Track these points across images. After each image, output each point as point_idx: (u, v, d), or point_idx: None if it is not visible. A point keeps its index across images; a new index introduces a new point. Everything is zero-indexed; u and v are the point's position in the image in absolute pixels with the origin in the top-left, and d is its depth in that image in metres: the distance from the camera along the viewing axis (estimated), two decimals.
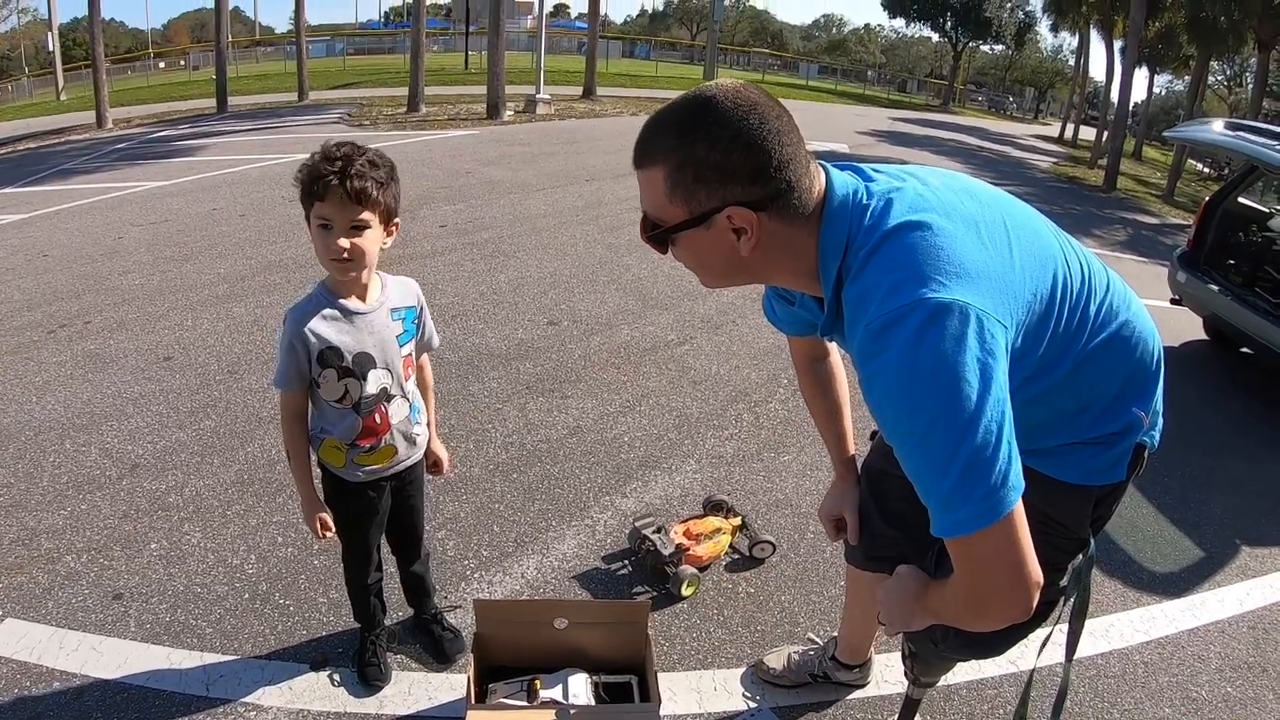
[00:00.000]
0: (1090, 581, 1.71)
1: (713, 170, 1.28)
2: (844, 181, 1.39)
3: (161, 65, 43.15)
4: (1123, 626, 3.06)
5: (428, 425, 2.44)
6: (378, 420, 2.21)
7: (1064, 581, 1.70)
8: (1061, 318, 1.41)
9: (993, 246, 1.33)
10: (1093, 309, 1.48)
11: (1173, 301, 6.30)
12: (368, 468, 2.26)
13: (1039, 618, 1.74)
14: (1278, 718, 2.69)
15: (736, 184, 1.29)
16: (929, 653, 1.95)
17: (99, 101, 19.21)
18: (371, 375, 2.14)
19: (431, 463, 2.51)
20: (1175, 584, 3.39)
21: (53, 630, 2.68)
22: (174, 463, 3.71)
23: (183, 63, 42.92)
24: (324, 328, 2.08)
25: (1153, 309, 5.72)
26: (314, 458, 2.27)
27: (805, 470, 3.84)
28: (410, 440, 2.31)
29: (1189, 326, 6.54)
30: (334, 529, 2.28)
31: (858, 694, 2.59)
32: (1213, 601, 3.28)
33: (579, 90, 25.40)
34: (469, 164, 12.04)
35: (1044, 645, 1.79)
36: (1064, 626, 1.75)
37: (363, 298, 2.15)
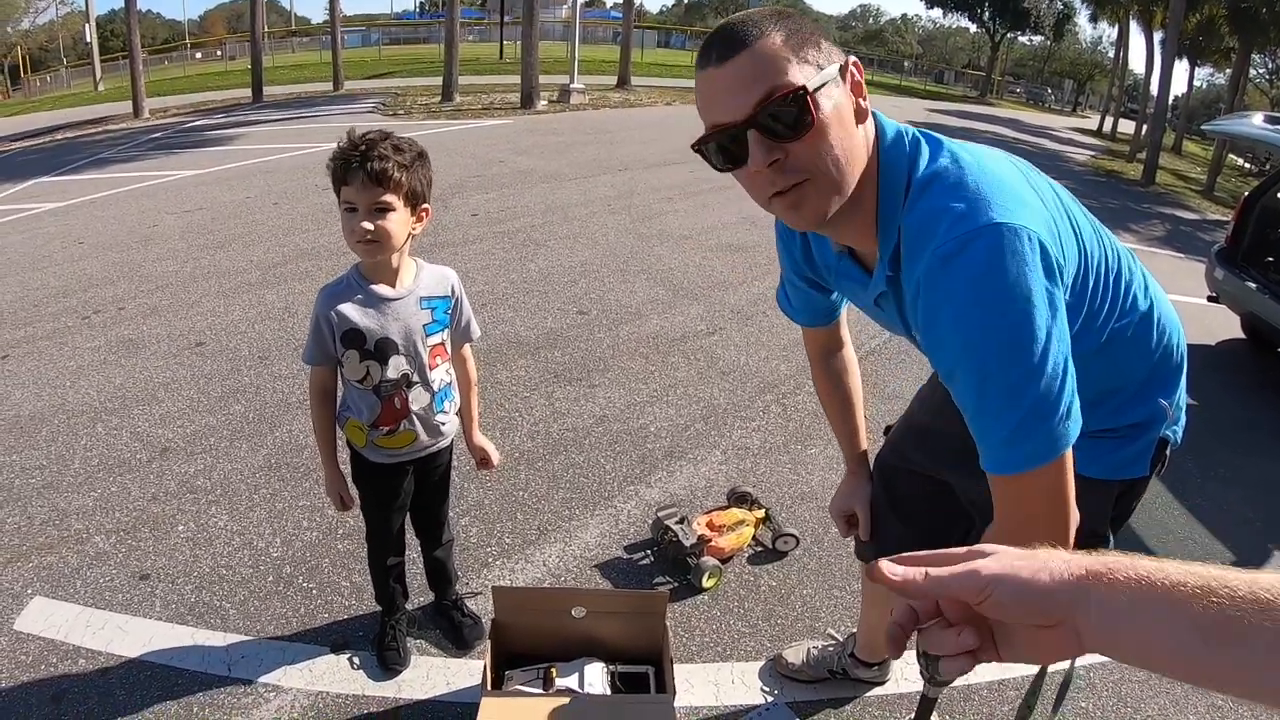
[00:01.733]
0: None
1: (816, 32, 1.23)
2: (887, 119, 1.34)
3: (198, 56, 43.60)
4: None
5: (467, 419, 2.46)
6: (397, 405, 2.20)
7: None
8: (1096, 288, 1.37)
9: (1041, 194, 1.29)
10: (1123, 287, 1.44)
11: (1209, 299, 6.14)
12: (388, 450, 2.27)
13: None
14: None
15: (834, 45, 1.24)
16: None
17: (135, 92, 19.48)
18: (393, 360, 2.14)
19: (479, 459, 2.50)
20: None
21: (80, 609, 2.71)
22: (203, 446, 3.74)
23: (219, 53, 43.38)
24: (350, 309, 2.11)
25: (1189, 306, 5.62)
26: (342, 436, 2.29)
27: (831, 464, 3.79)
28: (433, 429, 2.29)
29: (1226, 325, 6.39)
30: (354, 503, 2.33)
31: (876, 691, 2.55)
32: None
33: (613, 80, 25.39)
34: (502, 153, 12.06)
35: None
36: None
37: (392, 284, 2.15)
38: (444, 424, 2.33)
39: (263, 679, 2.45)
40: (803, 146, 1.19)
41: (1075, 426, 1.20)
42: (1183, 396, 1.61)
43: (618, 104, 20.71)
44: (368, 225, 1.98)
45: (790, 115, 1.18)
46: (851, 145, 1.24)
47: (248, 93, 22.50)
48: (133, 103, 19.56)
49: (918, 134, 1.33)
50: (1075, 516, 1.26)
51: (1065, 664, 1.79)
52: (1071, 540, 1.27)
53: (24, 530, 3.12)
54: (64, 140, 15.76)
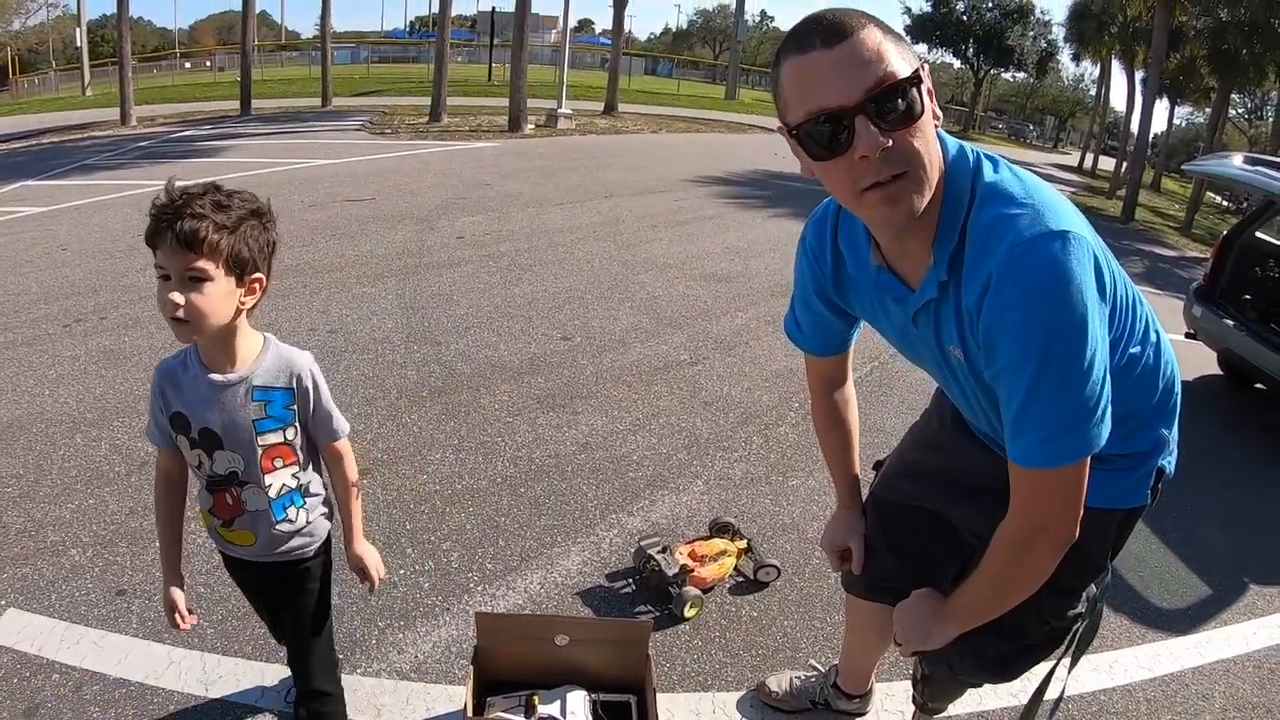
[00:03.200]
0: (1103, 607, 1.73)
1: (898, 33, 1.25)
2: (947, 135, 1.38)
3: (187, 65, 43.64)
4: (1127, 662, 3.03)
5: (346, 526, 2.05)
6: (229, 501, 1.88)
7: (1080, 608, 1.71)
8: (1118, 310, 1.41)
9: (1078, 212, 1.34)
10: (1139, 316, 1.50)
11: (1187, 335, 6.23)
12: (229, 543, 1.97)
13: (1054, 644, 1.78)
14: None
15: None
16: (943, 675, 1.97)
17: (123, 99, 19.47)
18: (219, 455, 1.81)
19: (357, 571, 2.06)
20: (1182, 621, 3.35)
21: (55, 622, 2.69)
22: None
23: (208, 64, 43.40)
24: (176, 391, 1.80)
25: None
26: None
27: (813, 495, 3.82)
28: (273, 539, 1.92)
29: (1204, 361, 6.49)
30: (186, 624, 1.98)
31: None
32: (1218, 640, 3.24)
33: (600, 106, 25.58)
34: (488, 176, 12.11)
35: (1050, 676, 1.78)
36: (1067, 661, 1.76)
37: (225, 367, 1.78)
38: (286, 534, 1.94)
39: (240, 700, 2.44)
40: (908, 136, 1.21)
41: (1106, 431, 1.30)
42: (1176, 429, 1.67)
43: (604, 130, 20.87)
44: (177, 299, 1.60)
45: (902, 104, 1.20)
46: (936, 147, 1.29)
47: (236, 105, 22.50)
48: (120, 110, 19.52)
49: (977, 150, 1.39)
50: (1081, 511, 1.37)
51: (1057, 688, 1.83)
52: (1077, 533, 1.39)
53: None
54: (50, 144, 15.68)
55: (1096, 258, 1.24)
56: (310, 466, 1.96)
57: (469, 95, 27.17)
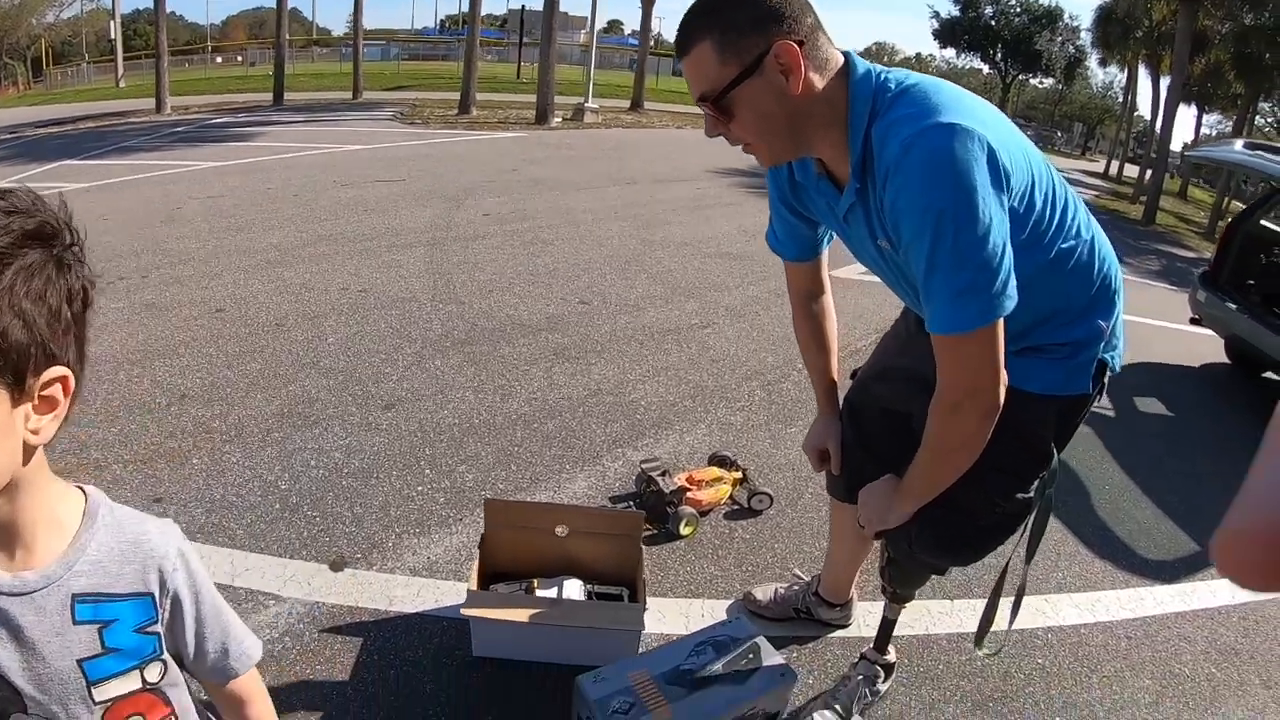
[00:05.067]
0: (1053, 495, 1.87)
1: (750, 23, 1.47)
2: (861, 60, 1.58)
3: (218, 60, 44.20)
4: (1109, 602, 3.11)
5: None
6: None
7: (1030, 493, 1.85)
8: (1044, 206, 1.59)
9: (994, 116, 1.53)
10: (1069, 213, 1.66)
11: (1192, 321, 6.33)
12: None
13: (1007, 530, 1.94)
14: (1261, 703, 2.68)
15: (773, 24, 1.48)
16: (903, 555, 2.11)
17: (159, 87, 19.93)
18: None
19: None
20: (1168, 571, 3.41)
21: None
22: (220, 395, 3.96)
23: (239, 58, 44.02)
24: None
25: (1172, 331, 5.80)
26: None
27: None
28: None
29: (1210, 349, 6.58)
30: None
31: (839, 633, 2.71)
32: (1204, 591, 3.28)
33: (627, 103, 25.81)
34: (515, 162, 12.35)
35: (1006, 569, 1.96)
36: (1022, 552, 1.92)
37: (8, 561, 0.94)
38: None
39: (264, 589, 2.65)
40: (734, 127, 1.56)
41: (1010, 302, 1.47)
42: (1120, 325, 1.80)
43: (630, 124, 21.11)
44: None
45: (716, 109, 1.53)
46: (785, 114, 1.54)
47: (268, 96, 22.94)
48: (156, 97, 20.01)
49: (887, 70, 1.58)
50: (1004, 378, 1.54)
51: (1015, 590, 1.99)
52: (1001, 401, 1.55)
53: None
54: (88, 129, 16.09)
55: (992, 148, 1.40)
56: None
57: (498, 91, 27.47)
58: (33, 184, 7.31)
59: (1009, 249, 1.45)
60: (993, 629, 2.10)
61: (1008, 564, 1.96)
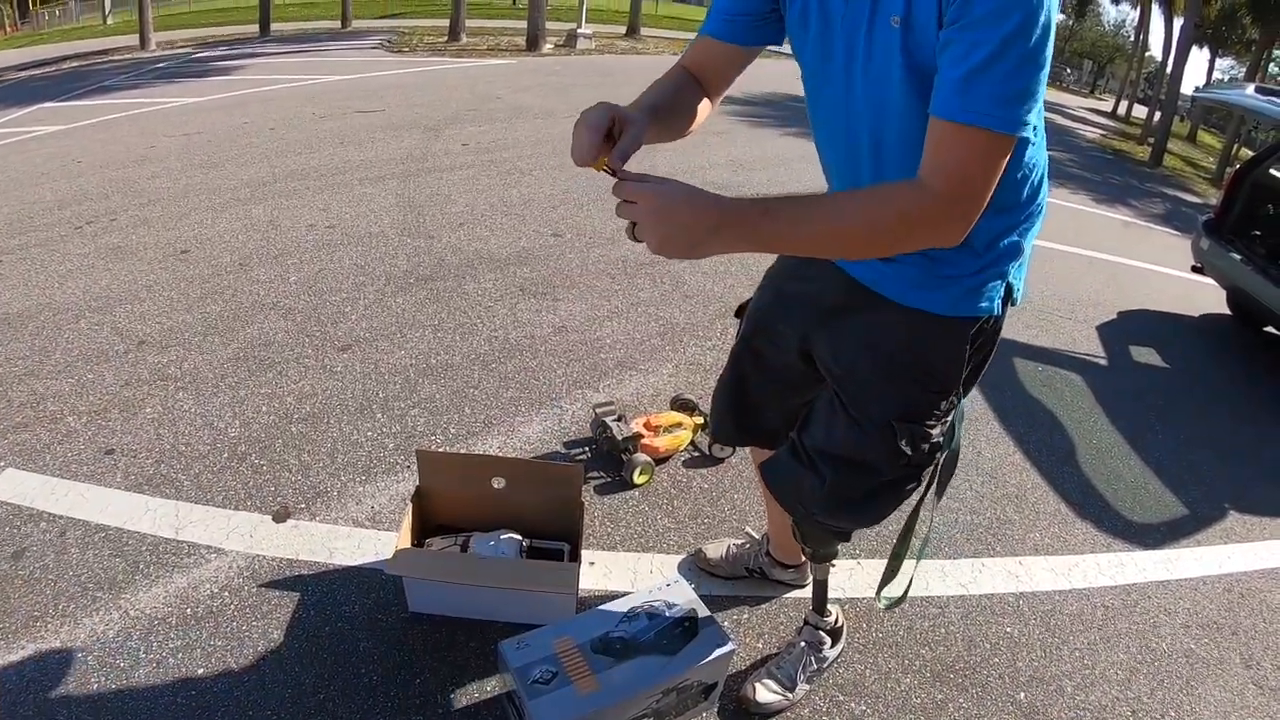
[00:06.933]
0: (962, 435, 1.76)
1: None
2: None
3: None
4: (1087, 568, 3.00)
5: None
6: None
7: (938, 435, 1.70)
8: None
9: None
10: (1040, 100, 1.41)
11: (1194, 269, 6.11)
12: None
13: (912, 481, 1.77)
14: (1240, 684, 2.57)
15: None
16: (800, 518, 1.96)
17: (142, 23, 19.50)
18: None
19: None
20: (1152, 536, 3.28)
21: (46, 479, 2.88)
22: (178, 340, 3.90)
23: None
24: None
25: (1173, 277, 5.67)
26: None
27: None
28: None
29: (1211, 299, 6.40)
30: None
31: (793, 594, 2.61)
32: (1189, 559, 3.16)
33: (623, 29, 25.21)
34: (501, 90, 12.11)
35: (918, 509, 1.83)
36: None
37: None
38: None
39: (206, 542, 2.62)
40: None
41: (1029, 129, 1.27)
42: (1030, 247, 1.62)
43: (624, 51, 20.71)
44: None
45: None
46: None
47: (255, 28, 22.46)
48: (139, 34, 19.55)
49: None
50: (984, 203, 1.30)
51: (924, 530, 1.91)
52: (968, 229, 1.32)
53: (2, 412, 3.29)
54: (70, 69, 15.80)
55: None
56: None
57: (491, 18, 26.93)
58: (9, 129, 7.24)
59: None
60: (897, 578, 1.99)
61: (918, 505, 1.82)
